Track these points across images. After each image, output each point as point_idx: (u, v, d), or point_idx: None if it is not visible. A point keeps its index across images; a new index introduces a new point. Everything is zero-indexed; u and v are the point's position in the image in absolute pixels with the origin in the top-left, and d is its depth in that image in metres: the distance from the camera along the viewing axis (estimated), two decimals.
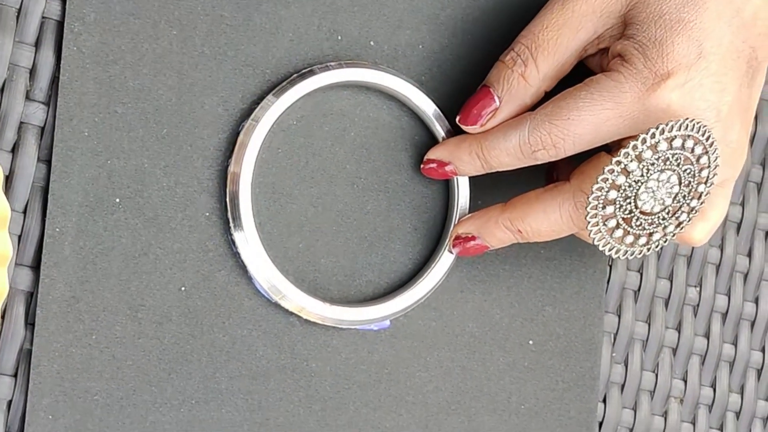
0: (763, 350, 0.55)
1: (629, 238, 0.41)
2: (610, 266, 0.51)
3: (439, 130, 0.47)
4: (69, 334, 0.42)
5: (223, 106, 0.44)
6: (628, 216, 0.41)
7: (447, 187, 0.48)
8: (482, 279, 0.48)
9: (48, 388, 0.41)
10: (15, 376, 0.41)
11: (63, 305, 0.41)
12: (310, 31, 0.45)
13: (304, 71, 0.45)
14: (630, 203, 0.40)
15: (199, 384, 0.43)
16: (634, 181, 0.40)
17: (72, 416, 0.42)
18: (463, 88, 0.47)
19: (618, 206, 0.40)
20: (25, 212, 0.41)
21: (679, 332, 0.53)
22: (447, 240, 0.46)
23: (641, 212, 0.41)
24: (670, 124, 0.39)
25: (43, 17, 0.42)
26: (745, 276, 0.55)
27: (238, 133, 0.44)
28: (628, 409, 0.52)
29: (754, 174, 0.55)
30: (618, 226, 0.41)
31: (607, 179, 0.39)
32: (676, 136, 0.39)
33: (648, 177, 0.40)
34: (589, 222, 0.41)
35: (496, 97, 0.43)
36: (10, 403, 0.41)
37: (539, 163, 0.43)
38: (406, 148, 0.47)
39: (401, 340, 0.47)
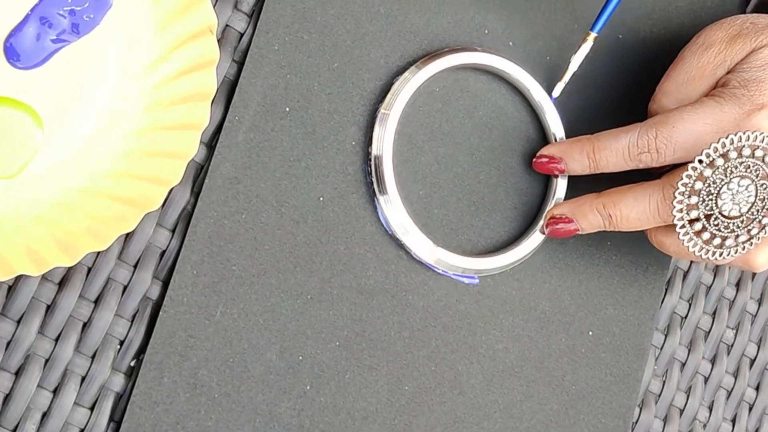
0: None
1: (706, 235, 0.50)
2: (666, 289, 0.61)
3: (552, 132, 0.57)
4: (224, 207, 0.50)
5: (385, 58, 0.54)
6: (709, 213, 0.50)
7: (547, 179, 0.57)
8: (561, 266, 0.57)
9: (198, 247, 0.50)
10: (173, 231, 0.49)
11: (226, 182, 0.50)
12: (465, 18, 0.56)
13: (454, 47, 0.55)
14: (712, 200, 0.49)
15: (317, 283, 0.52)
16: (719, 178, 0.49)
17: (211, 277, 0.50)
18: (578, 100, 0.58)
19: (701, 200, 0.49)
20: (213, 98, 0.50)
21: (713, 365, 0.62)
22: (542, 220, 0.56)
23: (720, 212, 0.50)
24: (756, 134, 0.49)
25: None
26: None
27: (392, 84, 0.54)
28: (659, 419, 0.60)
29: None
30: (698, 219, 0.50)
31: (696, 168, 0.48)
32: (759, 146, 0.49)
33: (730, 178, 0.49)
34: (674, 207, 0.49)
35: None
36: (163, 253, 0.49)
37: (642, 167, 0.52)
38: (520, 138, 0.57)
39: (485, 298, 0.56)
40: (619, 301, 0.59)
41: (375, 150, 0.53)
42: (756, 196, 0.49)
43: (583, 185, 0.56)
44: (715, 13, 0.62)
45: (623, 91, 0.60)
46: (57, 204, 0.46)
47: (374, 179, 0.53)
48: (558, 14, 0.58)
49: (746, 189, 0.49)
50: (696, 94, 0.54)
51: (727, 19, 0.55)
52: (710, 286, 0.62)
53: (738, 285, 0.63)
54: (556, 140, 0.57)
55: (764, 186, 0.49)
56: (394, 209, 0.53)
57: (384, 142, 0.53)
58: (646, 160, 0.52)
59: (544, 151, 0.56)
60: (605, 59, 0.59)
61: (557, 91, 0.56)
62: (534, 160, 0.56)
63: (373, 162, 0.53)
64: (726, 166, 0.48)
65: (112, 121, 0.47)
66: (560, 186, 0.57)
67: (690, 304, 0.62)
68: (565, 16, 0.58)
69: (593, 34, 0.55)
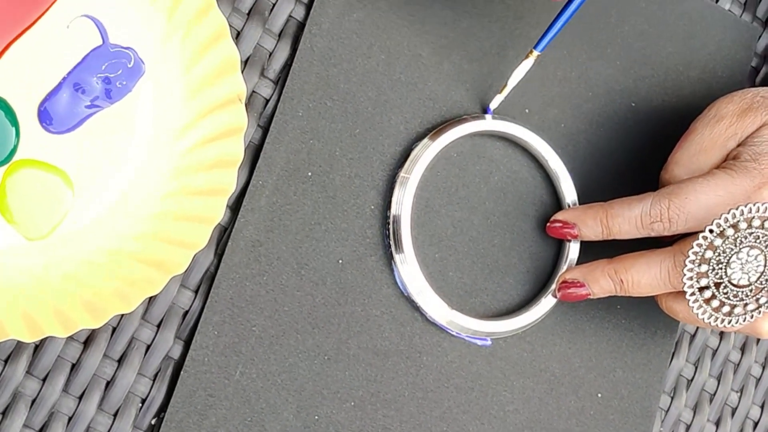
0: None
1: (715, 303, 0.51)
2: (673, 353, 0.62)
3: (566, 197, 0.58)
4: (246, 269, 0.51)
5: (405, 125, 0.55)
6: (719, 281, 0.51)
7: (560, 243, 0.59)
8: (571, 329, 0.58)
9: (220, 308, 0.50)
10: (196, 292, 0.50)
11: (248, 244, 0.51)
12: (483, 86, 0.57)
13: (472, 115, 0.56)
14: (722, 269, 0.50)
15: (334, 345, 0.53)
16: (729, 248, 0.50)
17: (232, 338, 0.50)
18: (591, 166, 0.59)
19: (711, 268, 0.50)
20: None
21: (717, 427, 0.63)
22: (553, 284, 0.57)
23: (730, 281, 0.51)
24: (766, 206, 0.49)
25: (289, 16, 0.53)
26: None
27: (411, 149, 0.55)
28: None
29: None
30: (708, 287, 0.51)
31: (707, 238, 0.50)
32: None
33: (740, 248, 0.50)
34: (684, 275, 0.50)
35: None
36: (186, 313, 0.50)
37: (653, 235, 0.54)
38: (534, 202, 0.58)
39: (497, 359, 0.56)
40: (628, 364, 0.59)
41: (394, 212, 0.54)
42: (765, 265, 0.50)
43: (595, 250, 0.57)
44: (726, 82, 0.63)
45: (636, 158, 0.61)
46: (85, 265, 0.47)
47: (392, 241, 0.54)
48: (572, 83, 0.59)
49: (755, 259, 0.50)
50: (707, 166, 0.55)
51: (739, 92, 0.56)
52: (716, 350, 0.63)
53: (743, 348, 0.64)
54: (569, 206, 0.58)
55: None
56: (410, 271, 0.54)
57: (403, 204, 0.54)
58: (658, 229, 0.53)
59: (558, 216, 0.57)
60: (619, 127, 0.60)
61: (495, 104, 0.56)
62: (548, 224, 0.57)
63: (391, 224, 0.54)
64: (736, 236, 0.49)
65: (140, 185, 0.48)
66: (573, 250, 0.58)
67: (696, 367, 0.62)
68: (580, 85, 0.59)
69: (535, 52, 0.54)
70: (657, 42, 0.61)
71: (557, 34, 0.53)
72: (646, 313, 0.60)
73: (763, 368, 0.64)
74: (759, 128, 0.54)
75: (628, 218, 0.53)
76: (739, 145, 0.54)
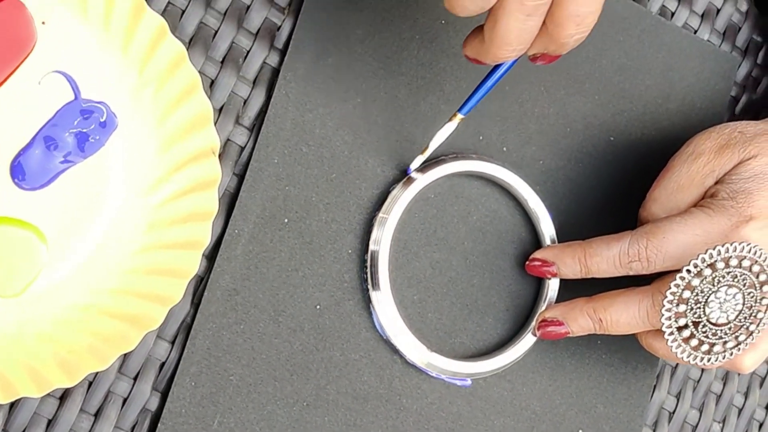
0: None
1: (694, 341, 0.51)
2: (655, 386, 0.61)
3: (545, 235, 0.58)
4: (223, 319, 0.51)
5: (382, 167, 0.55)
6: (697, 320, 0.50)
7: (540, 281, 0.58)
8: (551, 366, 0.58)
9: (197, 358, 0.50)
10: (172, 343, 0.50)
11: (225, 293, 0.51)
12: (460, 126, 0.57)
13: (449, 155, 0.56)
14: (700, 308, 0.50)
15: (313, 390, 0.53)
16: (706, 287, 0.49)
17: (209, 388, 0.50)
18: (570, 202, 0.59)
19: (690, 308, 0.50)
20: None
21: None
22: (533, 323, 0.57)
23: (708, 320, 0.51)
24: (742, 245, 0.49)
25: (263, 63, 0.53)
26: (761, 425, 0.65)
27: (390, 190, 0.55)
28: None
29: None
30: (687, 326, 0.50)
31: (684, 278, 0.49)
32: (745, 257, 0.49)
33: (718, 287, 0.50)
34: (663, 315, 0.50)
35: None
36: (162, 364, 0.50)
37: (632, 273, 0.53)
38: (513, 241, 0.58)
39: (477, 399, 0.56)
40: (609, 400, 0.59)
41: (371, 254, 0.54)
42: (743, 303, 0.50)
43: (575, 286, 0.57)
44: (705, 114, 0.63)
45: (615, 193, 0.61)
46: (60, 322, 0.47)
47: (370, 283, 0.54)
48: (550, 119, 0.59)
49: (733, 297, 0.50)
50: (685, 203, 0.55)
51: (717, 128, 0.56)
52: (698, 381, 0.63)
53: (725, 379, 0.64)
54: (549, 243, 0.58)
55: (751, 294, 0.50)
56: (388, 314, 0.54)
57: (381, 245, 0.54)
58: (636, 268, 0.53)
59: (537, 255, 0.57)
60: (598, 162, 0.60)
61: (416, 164, 0.54)
62: (527, 263, 0.57)
63: (369, 266, 0.54)
64: (713, 275, 0.49)
65: (115, 239, 0.48)
66: (552, 288, 0.58)
67: (678, 399, 0.62)
68: (558, 121, 0.59)
69: (459, 116, 0.52)
70: (635, 75, 0.61)
71: (482, 98, 0.51)
72: (627, 348, 0.60)
73: (746, 398, 0.64)
74: (736, 165, 0.54)
75: (607, 257, 0.53)
76: (716, 183, 0.54)
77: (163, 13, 0.51)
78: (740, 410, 0.64)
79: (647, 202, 0.56)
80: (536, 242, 0.58)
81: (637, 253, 0.52)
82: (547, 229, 0.58)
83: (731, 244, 0.49)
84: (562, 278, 0.56)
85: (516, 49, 0.45)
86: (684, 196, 0.55)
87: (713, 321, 0.50)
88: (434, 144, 0.53)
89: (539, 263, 0.56)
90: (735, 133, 0.55)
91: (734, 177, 0.53)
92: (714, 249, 0.49)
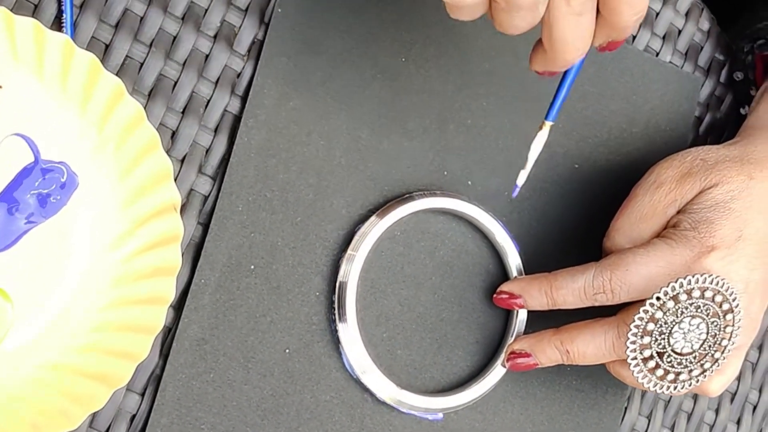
0: None
1: (660, 371, 0.51)
2: (626, 408, 0.62)
3: (512, 267, 0.58)
4: (192, 369, 0.51)
5: (347, 208, 0.55)
6: (662, 350, 0.51)
7: (508, 313, 0.59)
8: (522, 396, 0.59)
9: (167, 410, 0.51)
10: (143, 395, 0.50)
11: (193, 343, 0.51)
12: (424, 162, 0.57)
13: (414, 193, 0.56)
14: (665, 339, 0.50)
15: None
16: (670, 319, 0.50)
17: None
18: (536, 231, 0.59)
19: (654, 339, 0.50)
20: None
21: None
22: (502, 354, 0.57)
23: (673, 350, 0.51)
24: (704, 276, 0.50)
25: (224, 110, 0.53)
26: None
27: (357, 229, 0.55)
28: None
29: (751, 355, 0.66)
30: (652, 357, 0.51)
31: (648, 311, 0.50)
32: (708, 288, 0.50)
33: (681, 318, 0.50)
34: (627, 347, 0.50)
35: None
36: (133, 417, 0.50)
37: (597, 305, 0.54)
38: (480, 274, 0.58)
39: None
40: (581, 425, 0.60)
41: (339, 292, 0.54)
42: (707, 332, 0.51)
43: (543, 316, 0.58)
44: (670, 135, 0.63)
45: (581, 221, 0.61)
46: (29, 382, 0.47)
47: (338, 322, 0.54)
48: (514, 151, 0.59)
49: (697, 327, 0.50)
50: (648, 233, 0.55)
51: (678, 155, 0.56)
52: (668, 401, 0.64)
53: (695, 397, 0.64)
54: (516, 275, 0.58)
55: (715, 323, 0.50)
56: (357, 351, 0.54)
57: (348, 283, 0.54)
58: (601, 300, 0.53)
59: (504, 287, 0.57)
60: (563, 191, 0.60)
61: (521, 180, 0.53)
62: (494, 296, 0.57)
63: (336, 304, 0.54)
64: (677, 307, 0.49)
65: (81, 296, 0.48)
66: (520, 319, 0.58)
67: (649, 420, 0.63)
68: (522, 152, 0.59)
69: (548, 123, 0.52)
70: (599, 101, 0.61)
71: (564, 101, 0.51)
72: (597, 373, 0.61)
73: (717, 414, 0.65)
74: (698, 194, 0.54)
75: (572, 290, 0.53)
76: (679, 212, 0.54)
77: (122, 66, 0.51)
78: (711, 427, 0.65)
79: (611, 231, 0.57)
80: (503, 274, 0.59)
81: (602, 285, 0.52)
82: (514, 260, 0.58)
83: (693, 276, 0.49)
84: (530, 310, 0.57)
85: (580, 48, 0.45)
86: (647, 226, 0.55)
87: (678, 351, 0.50)
88: (532, 156, 0.52)
89: (506, 296, 0.57)
90: (697, 160, 0.55)
91: (696, 206, 0.53)
92: (676, 282, 0.49)
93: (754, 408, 0.66)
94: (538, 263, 0.59)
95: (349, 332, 0.54)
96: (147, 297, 0.48)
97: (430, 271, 0.57)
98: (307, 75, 0.54)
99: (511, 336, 0.58)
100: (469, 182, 0.58)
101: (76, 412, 0.46)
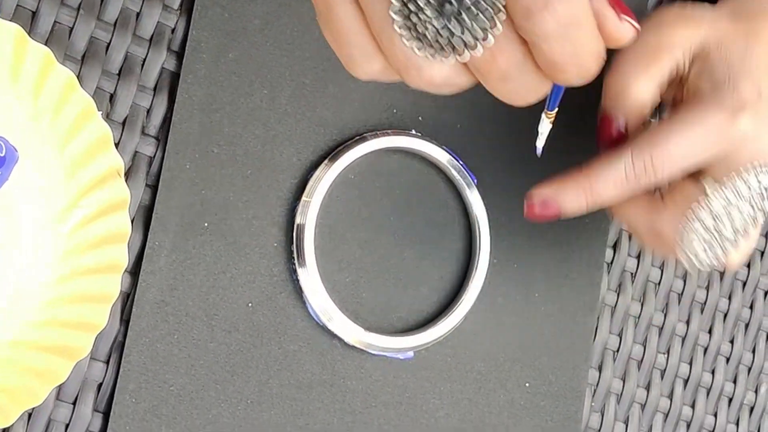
0: (715, 415, 0.65)
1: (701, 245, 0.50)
2: (596, 327, 0.62)
3: (471, 200, 0.57)
4: (156, 332, 0.50)
5: (297, 156, 0.54)
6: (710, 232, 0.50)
7: (471, 242, 0.58)
8: (492, 326, 0.58)
9: (134, 375, 0.50)
10: (107, 363, 0.50)
11: (154, 307, 0.50)
12: (372, 102, 0.56)
13: (365, 134, 0.55)
14: (718, 223, 0.49)
15: (255, 387, 0.52)
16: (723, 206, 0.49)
17: (150, 402, 0.50)
18: (493, 161, 0.58)
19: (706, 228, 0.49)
20: (132, 227, 0.50)
21: (648, 391, 0.63)
22: (475, 275, 0.55)
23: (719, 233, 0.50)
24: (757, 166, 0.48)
25: (161, 68, 0.52)
26: (705, 349, 0.65)
27: (308, 180, 0.54)
28: None
29: None
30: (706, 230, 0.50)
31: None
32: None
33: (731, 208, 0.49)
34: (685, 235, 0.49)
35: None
36: (100, 385, 0.50)
37: (639, 191, 0.50)
38: (440, 210, 0.57)
39: (421, 370, 0.56)
40: (552, 349, 0.60)
41: (297, 242, 0.53)
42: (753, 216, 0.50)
43: (506, 245, 0.57)
44: None
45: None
46: None
47: (298, 272, 0.53)
48: None
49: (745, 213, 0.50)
50: (657, 77, 0.52)
51: (675, 4, 0.53)
52: (638, 316, 0.63)
53: (665, 310, 0.64)
54: (475, 208, 0.57)
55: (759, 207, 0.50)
56: (320, 299, 0.53)
57: (305, 231, 0.53)
58: (645, 183, 0.49)
59: (535, 196, 0.50)
60: (515, 116, 0.59)
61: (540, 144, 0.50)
62: (526, 209, 0.50)
63: (296, 254, 0.53)
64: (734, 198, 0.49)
65: (32, 272, 0.47)
66: (484, 249, 0.57)
67: (620, 337, 0.63)
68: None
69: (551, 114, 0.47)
70: None
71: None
72: (565, 296, 0.60)
73: (687, 325, 0.65)
74: (703, 52, 0.51)
75: (614, 179, 0.49)
76: (690, 72, 0.51)
77: (51, 33, 0.49)
78: (683, 338, 0.65)
79: (613, 83, 0.52)
80: (463, 209, 0.58)
81: (644, 165, 0.48)
82: (472, 193, 0.57)
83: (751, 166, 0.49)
84: (565, 218, 0.51)
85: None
86: (656, 67, 0.51)
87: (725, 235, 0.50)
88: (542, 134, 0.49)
89: (539, 206, 0.50)
90: (696, 10, 0.52)
91: (707, 65, 0.50)
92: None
93: (725, 316, 0.66)
94: (495, 194, 0.58)
95: (311, 280, 0.53)
96: (99, 266, 0.47)
97: (388, 211, 0.56)
98: (244, 23, 0.53)
99: (476, 269, 0.57)
100: (420, 117, 0.57)
101: (40, 387, 0.45)
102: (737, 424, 0.66)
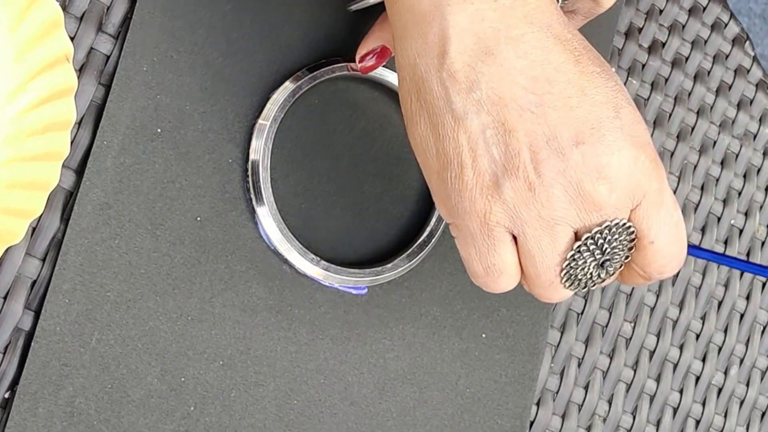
0: (681, 392, 0.63)
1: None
2: None
3: None
4: (96, 234, 0.48)
5: (259, 74, 0.52)
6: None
7: None
8: (451, 271, 0.56)
9: (70, 275, 0.48)
10: (43, 260, 0.48)
11: (96, 208, 0.48)
12: (341, 28, 0.54)
13: (332, 59, 0.53)
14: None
15: (197, 304, 0.50)
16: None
17: (85, 305, 0.48)
18: None
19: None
20: (80, 123, 0.49)
21: (611, 359, 0.61)
22: (434, 219, 0.54)
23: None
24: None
25: None
26: (674, 323, 0.63)
27: (269, 96, 0.52)
28: (557, 416, 0.59)
29: (694, 237, 0.64)
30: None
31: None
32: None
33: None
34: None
35: None
36: (34, 282, 0.48)
37: None
38: (405, 146, 0.55)
39: (374, 307, 0.54)
40: (513, 302, 0.57)
41: (252, 164, 0.51)
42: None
43: None
44: None
45: None
46: None
47: (252, 194, 0.51)
48: None
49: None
50: None
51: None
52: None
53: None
54: None
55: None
56: (274, 224, 0.51)
57: (261, 155, 0.51)
58: None
59: (362, 49, 0.51)
60: None
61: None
62: (360, 65, 0.51)
63: (250, 176, 0.51)
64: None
65: None
66: None
67: (586, 301, 0.60)
68: None
69: None
70: None
71: None
72: None
73: (657, 296, 0.62)
74: None
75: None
76: None
77: None
78: (652, 309, 0.62)
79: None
80: None
81: None
82: None
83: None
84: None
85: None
86: None
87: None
88: None
89: (372, 57, 0.51)
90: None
91: None
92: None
93: (698, 290, 0.64)
94: None
95: (265, 202, 0.51)
96: (40, 153, 0.45)
97: (351, 141, 0.54)
98: None
99: (437, 211, 0.55)
100: None
101: None
102: (704, 404, 0.63)
